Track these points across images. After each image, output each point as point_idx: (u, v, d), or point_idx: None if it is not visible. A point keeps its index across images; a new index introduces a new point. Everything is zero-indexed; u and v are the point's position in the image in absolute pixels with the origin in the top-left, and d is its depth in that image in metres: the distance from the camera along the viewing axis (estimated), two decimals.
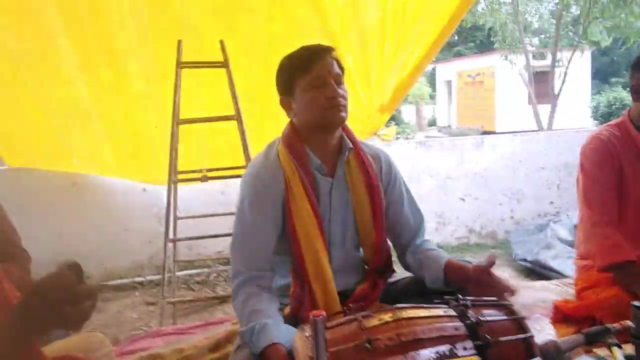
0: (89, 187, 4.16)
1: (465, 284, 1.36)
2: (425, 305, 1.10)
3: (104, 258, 4.25)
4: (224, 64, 2.94)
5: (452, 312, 1.10)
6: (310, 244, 1.50)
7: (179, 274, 4.16)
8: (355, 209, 1.59)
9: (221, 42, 2.94)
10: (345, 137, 1.59)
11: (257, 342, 1.31)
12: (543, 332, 1.61)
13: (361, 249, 1.65)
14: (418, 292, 1.56)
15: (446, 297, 1.15)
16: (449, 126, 22.00)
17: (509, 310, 1.14)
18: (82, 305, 0.87)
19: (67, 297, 0.85)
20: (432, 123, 24.39)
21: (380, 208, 1.59)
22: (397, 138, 12.53)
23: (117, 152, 3.88)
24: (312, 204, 1.51)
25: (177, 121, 2.88)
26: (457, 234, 5.02)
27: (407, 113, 24.13)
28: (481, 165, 5.00)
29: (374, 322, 1.04)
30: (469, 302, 1.11)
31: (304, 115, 1.51)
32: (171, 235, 3.10)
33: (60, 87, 3.42)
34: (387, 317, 1.05)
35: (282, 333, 1.32)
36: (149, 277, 4.25)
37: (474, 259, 4.53)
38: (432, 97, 25.96)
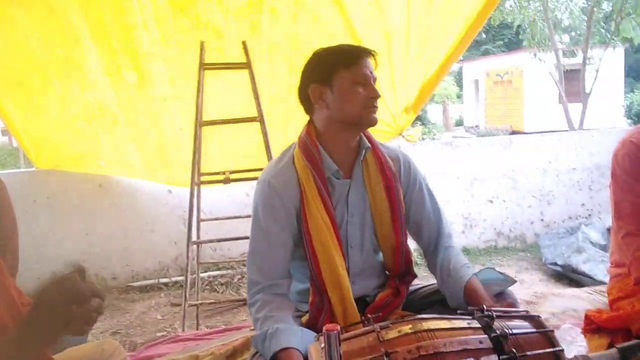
0: (115, 189, 4.21)
1: None
2: (447, 317, 1.04)
3: (130, 259, 4.30)
4: (247, 65, 2.92)
5: (476, 324, 1.04)
6: (326, 252, 1.45)
7: (203, 275, 4.17)
8: (374, 210, 1.55)
9: (244, 43, 2.92)
10: (364, 137, 1.56)
11: (268, 348, 1.28)
12: (574, 343, 1.53)
13: (380, 253, 1.61)
14: (442, 301, 1.52)
15: (470, 307, 1.09)
16: (476, 126, 21.68)
17: (537, 322, 1.08)
18: (87, 308, 0.86)
19: (73, 298, 0.85)
20: (460, 123, 24.05)
21: (399, 209, 1.54)
22: (423, 138, 12.40)
23: (142, 154, 3.92)
24: (328, 211, 1.47)
25: (200, 123, 2.87)
26: (484, 237, 4.92)
27: (434, 113, 23.86)
28: (510, 166, 4.89)
29: (392, 333, 0.99)
30: (494, 314, 1.05)
31: (340, 109, 1.46)
32: (194, 238, 3.10)
33: (86, 91, 3.47)
34: (406, 328, 0.99)
35: (296, 337, 1.29)
36: (174, 278, 4.27)
37: (502, 263, 4.45)
38: (459, 96, 25.64)
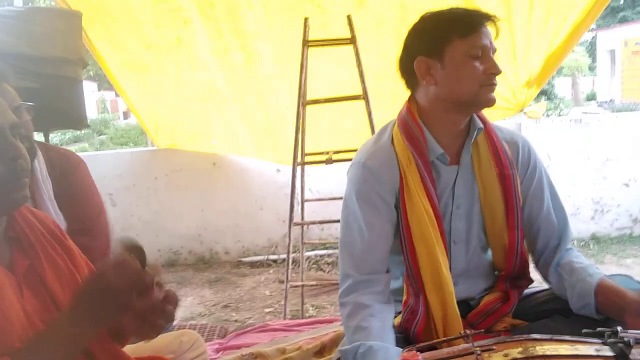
0: (227, 167, 4.33)
1: (621, 315, 1.04)
2: (569, 339, 0.83)
3: (241, 235, 4.43)
4: (352, 40, 2.78)
5: (607, 352, 0.82)
6: (427, 249, 1.27)
7: (310, 253, 4.18)
8: (484, 202, 1.33)
9: (348, 17, 2.78)
10: (475, 116, 1.34)
11: None
12: None
13: (489, 251, 1.39)
14: (563, 310, 1.27)
15: (600, 328, 0.86)
16: (611, 101, 19.74)
17: None
18: (152, 300, 0.83)
19: (130, 286, 0.80)
20: (592, 97, 22.06)
21: (515, 201, 1.32)
22: (548, 114, 11.48)
23: (251, 133, 3.97)
24: (432, 200, 1.28)
25: (303, 102, 2.80)
26: (617, 224, 4.40)
27: (562, 87, 22.09)
28: None
29: (497, 358, 0.80)
30: (632, 339, 0.81)
31: (452, 87, 1.26)
32: (298, 217, 3.07)
33: (197, 72, 3.55)
34: (515, 352, 0.81)
35: (391, 358, 1.10)
36: (282, 256, 4.33)
37: (638, 253, 3.97)
38: (591, 68, 23.49)
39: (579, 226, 4.24)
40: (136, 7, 3.16)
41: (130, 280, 0.80)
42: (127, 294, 0.80)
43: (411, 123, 1.32)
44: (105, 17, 3.21)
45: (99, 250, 1.52)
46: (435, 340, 1.05)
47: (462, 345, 0.84)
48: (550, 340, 0.82)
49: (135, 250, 0.87)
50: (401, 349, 1.15)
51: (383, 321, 1.22)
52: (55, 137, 15.85)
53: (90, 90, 21.85)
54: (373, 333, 1.17)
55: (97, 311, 0.81)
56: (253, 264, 4.33)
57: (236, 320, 3.27)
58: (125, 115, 22.06)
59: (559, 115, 12.73)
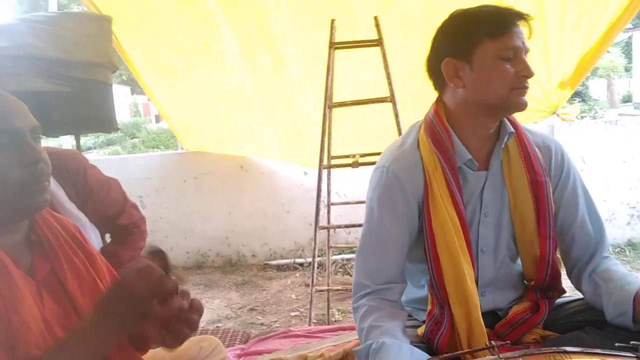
0: (255, 170, 4.34)
1: None
2: (600, 352, 0.78)
3: (268, 238, 4.43)
4: (379, 42, 2.75)
5: None
6: (452, 259, 1.22)
7: (336, 257, 4.15)
8: (514, 210, 1.27)
9: (375, 18, 2.76)
10: (506, 120, 1.28)
11: None
12: None
13: (519, 261, 1.33)
14: (596, 322, 1.21)
15: (634, 342, 0.80)
16: None
17: None
18: (173, 308, 0.81)
19: (152, 293, 0.79)
20: (628, 99, 21.42)
21: (548, 210, 1.26)
22: (583, 117, 11.20)
23: (278, 136, 3.98)
24: (457, 208, 1.23)
25: (329, 104, 2.78)
26: None
27: (596, 88, 21.51)
28: None
29: None
30: None
31: (481, 90, 1.21)
32: (323, 222, 3.05)
33: (225, 75, 3.57)
34: None
35: (404, 356, 1.07)
36: (309, 259, 4.31)
37: None
38: (627, 69, 22.82)
39: (614, 232, 4.12)
40: (165, 12, 3.20)
41: (152, 287, 0.79)
42: (149, 301, 0.79)
43: (438, 126, 1.28)
44: (135, 22, 3.26)
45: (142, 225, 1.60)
46: (459, 352, 1.01)
47: (488, 358, 0.81)
48: (580, 353, 0.77)
49: (158, 255, 0.86)
50: (415, 348, 1.13)
51: (395, 321, 1.19)
52: (88, 141, 16.22)
53: (123, 94, 22.33)
54: (385, 331, 1.14)
55: (119, 318, 0.80)
56: (280, 267, 4.33)
57: (262, 324, 3.26)
58: (157, 118, 22.44)
59: (594, 117, 12.42)
